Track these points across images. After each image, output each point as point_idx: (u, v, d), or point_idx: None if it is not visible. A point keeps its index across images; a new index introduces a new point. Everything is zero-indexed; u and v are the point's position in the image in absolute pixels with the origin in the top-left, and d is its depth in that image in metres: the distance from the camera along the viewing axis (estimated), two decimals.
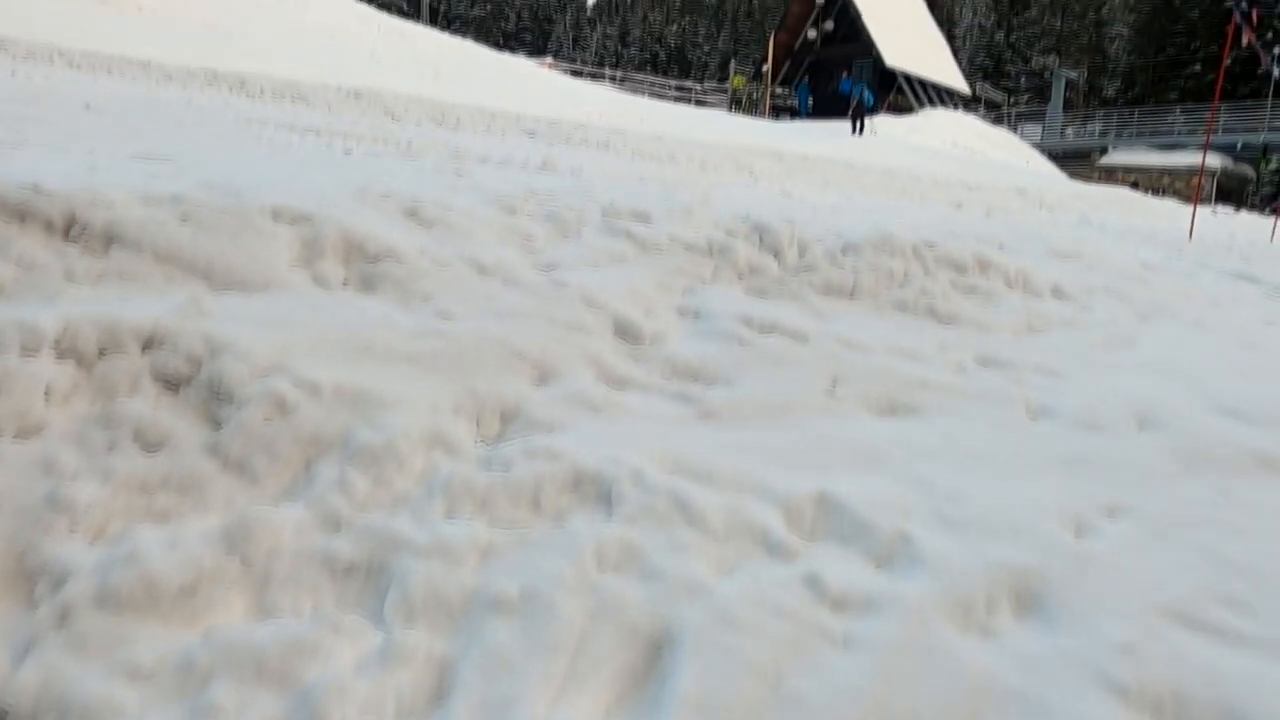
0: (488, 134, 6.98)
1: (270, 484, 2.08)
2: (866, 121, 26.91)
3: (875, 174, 9.20)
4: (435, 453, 2.24)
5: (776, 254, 3.63)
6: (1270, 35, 45.47)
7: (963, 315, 3.57)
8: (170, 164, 3.50)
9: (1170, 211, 13.28)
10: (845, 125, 27.00)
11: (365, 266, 2.83)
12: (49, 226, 2.55)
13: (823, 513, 2.24)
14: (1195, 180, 38.34)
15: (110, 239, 2.57)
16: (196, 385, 2.22)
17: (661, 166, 7.03)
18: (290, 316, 2.48)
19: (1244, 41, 7.22)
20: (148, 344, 2.27)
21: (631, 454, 2.30)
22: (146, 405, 2.15)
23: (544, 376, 2.63)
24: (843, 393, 2.89)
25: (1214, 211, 17.16)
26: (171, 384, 2.23)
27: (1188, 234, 7.19)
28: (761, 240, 3.66)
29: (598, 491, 2.17)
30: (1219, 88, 6.91)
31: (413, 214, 3.20)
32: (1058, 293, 4.11)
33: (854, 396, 2.87)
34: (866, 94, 27.72)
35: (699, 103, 48.22)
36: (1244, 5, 6.81)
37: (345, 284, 2.79)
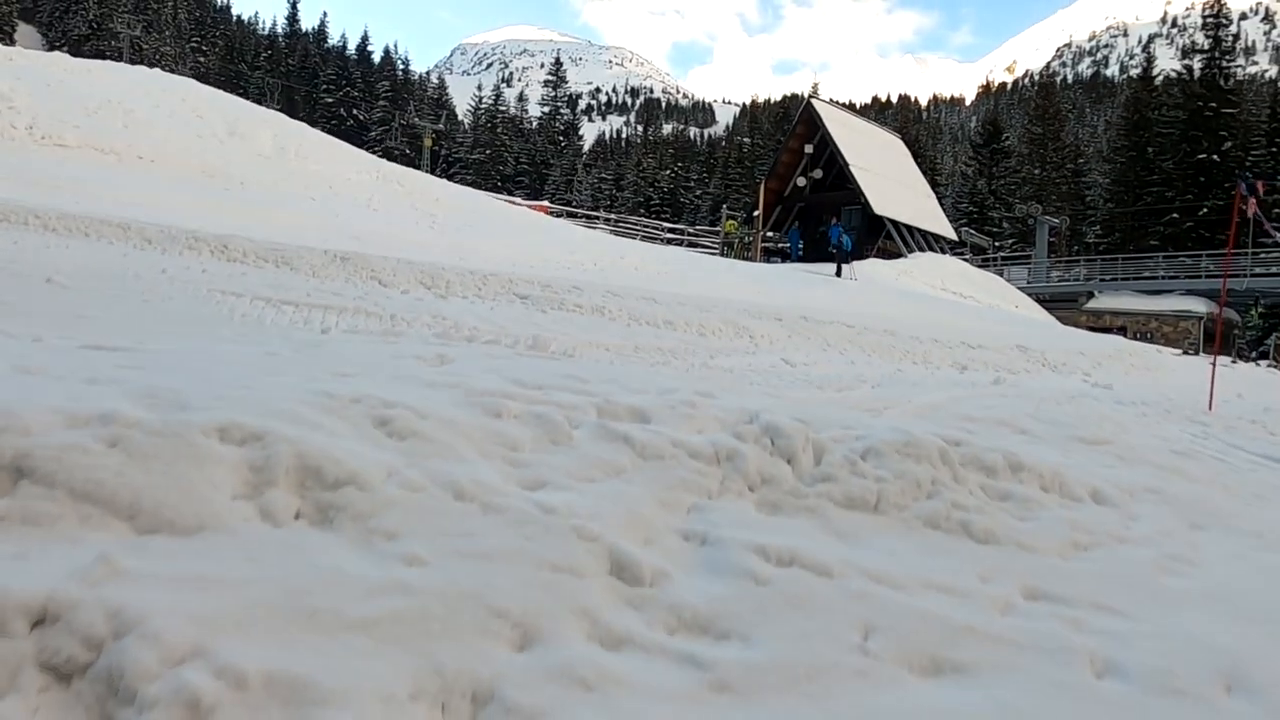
0: (479, 299, 6.68)
1: None
2: (846, 267, 28.40)
3: (875, 333, 8.98)
4: None
5: (790, 460, 3.27)
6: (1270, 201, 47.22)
7: (1001, 532, 3.17)
8: (120, 355, 3.17)
9: (1172, 367, 13.12)
10: (833, 268, 28.22)
11: (322, 495, 2.45)
12: None
13: None
14: (1181, 324, 38.78)
15: (20, 473, 2.19)
16: (92, 677, 1.80)
17: (659, 334, 6.76)
18: (222, 572, 2.07)
19: (1248, 213, 7.17)
20: (39, 620, 1.86)
21: None
22: (24, 709, 1.72)
23: (527, 639, 2.21)
24: (877, 646, 2.46)
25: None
26: (62, 674, 1.81)
27: (1207, 403, 6.90)
28: (773, 444, 3.30)
29: None
30: (1231, 241, 6.82)
31: (384, 423, 2.84)
32: (1098, 497, 3.74)
33: (891, 652, 2.44)
34: (845, 240, 29.77)
35: (691, 244, 49.27)
36: (1248, 177, 6.77)
37: (298, 517, 2.40)
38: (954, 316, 16.97)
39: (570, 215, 51.94)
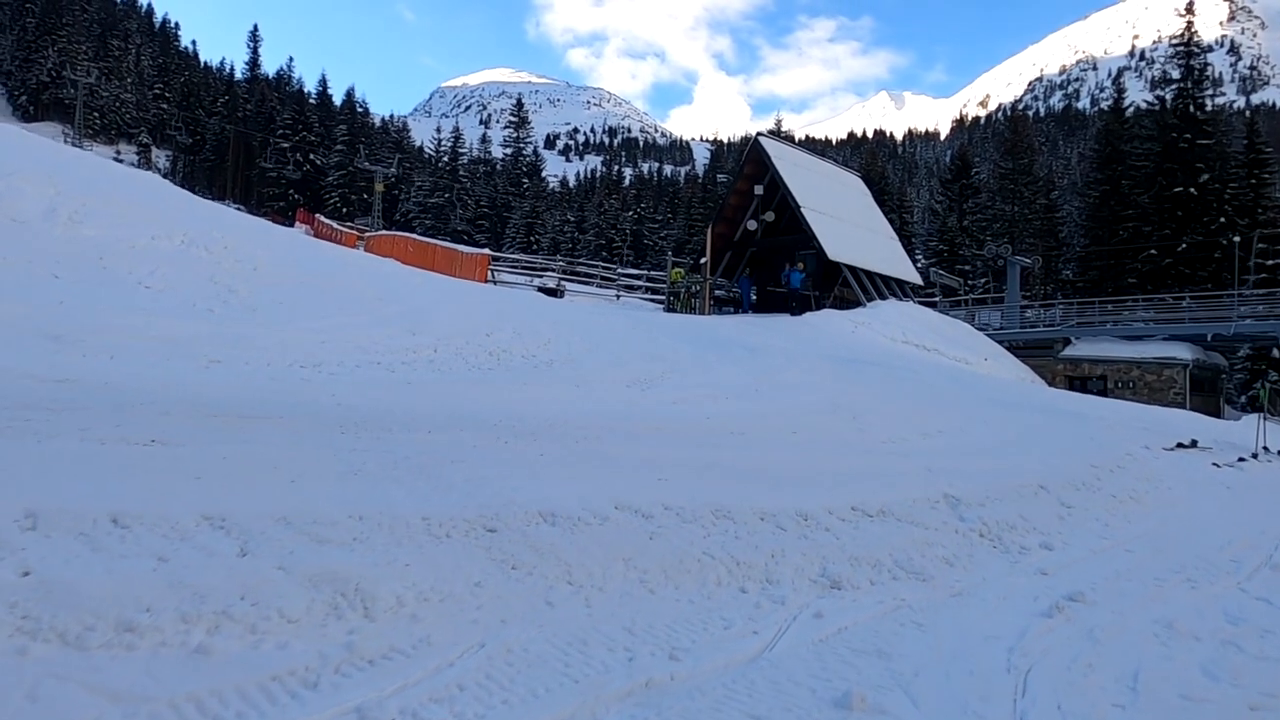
0: None
1: None
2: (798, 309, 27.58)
3: (698, 522, 5.28)
4: None
5: None
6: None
7: None
8: None
9: (1169, 484, 9.73)
10: (790, 323, 26.29)
11: None
12: None
13: None
14: (1166, 373, 35.57)
15: None
16: None
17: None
18: None
19: None
20: None
21: None
22: None
23: None
24: None
25: (1261, 451, 13.48)
26: None
27: None
28: None
29: None
30: None
31: None
32: None
33: None
34: (794, 275, 28.96)
35: (651, 290, 45.86)
36: None
37: None
38: (885, 406, 13.59)
39: (529, 266, 48.66)
